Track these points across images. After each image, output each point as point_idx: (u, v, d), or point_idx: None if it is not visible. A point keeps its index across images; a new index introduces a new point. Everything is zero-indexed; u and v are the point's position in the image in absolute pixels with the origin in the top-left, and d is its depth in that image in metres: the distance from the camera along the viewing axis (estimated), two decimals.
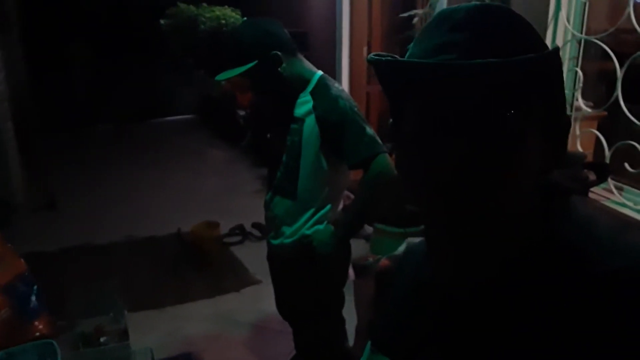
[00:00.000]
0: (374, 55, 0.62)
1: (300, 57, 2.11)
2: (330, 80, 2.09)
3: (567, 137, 0.66)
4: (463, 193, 0.58)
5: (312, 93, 2.05)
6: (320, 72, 2.11)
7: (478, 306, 0.64)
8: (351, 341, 2.43)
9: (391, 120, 0.68)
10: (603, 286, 0.57)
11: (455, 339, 0.66)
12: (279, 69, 2.01)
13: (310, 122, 2.02)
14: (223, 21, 8.42)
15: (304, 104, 2.05)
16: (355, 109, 2.03)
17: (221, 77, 2.06)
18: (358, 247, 3.84)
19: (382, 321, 0.80)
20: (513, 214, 0.61)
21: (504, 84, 0.56)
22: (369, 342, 0.80)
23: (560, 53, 2.65)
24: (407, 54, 0.64)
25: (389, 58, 0.61)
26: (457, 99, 0.57)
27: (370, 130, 2.01)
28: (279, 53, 2.00)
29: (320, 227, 2.11)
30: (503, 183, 0.58)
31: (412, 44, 0.65)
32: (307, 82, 2.07)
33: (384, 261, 2.50)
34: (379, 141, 2.01)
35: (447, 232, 0.62)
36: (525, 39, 0.60)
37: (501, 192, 0.59)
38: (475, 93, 0.56)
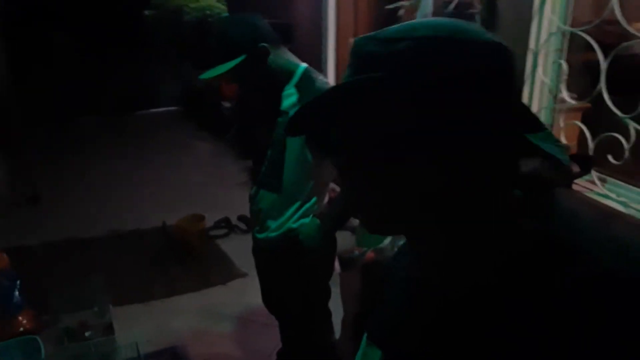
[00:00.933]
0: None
1: (284, 48, 2.10)
2: (315, 73, 2.08)
3: (513, 157, 0.63)
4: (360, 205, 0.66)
5: (296, 86, 2.03)
6: (304, 65, 2.10)
7: (468, 305, 0.64)
8: (337, 334, 2.44)
9: None
10: (588, 280, 0.57)
11: (448, 335, 0.66)
12: (267, 61, 2.00)
13: None
14: (208, 12, 8.35)
15: (289, 97, 2.03)
16: None
17: (209, 74, 2.03)
18: (344, 240, 3.84)
19: (379, 315, 0.80)
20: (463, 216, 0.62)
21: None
22: (365, 335, 0.80)
23: (546, 45, 2.66)
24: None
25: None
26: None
27: None
28: (266, 45, 1.99)
29: (306, 220, 2.10)
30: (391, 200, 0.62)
31: None
32: (291, 74, 2.05)
33: (369, 254, 2.51)
34: None
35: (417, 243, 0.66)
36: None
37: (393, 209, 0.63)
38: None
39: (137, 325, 3.19)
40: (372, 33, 0.63)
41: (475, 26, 0.62)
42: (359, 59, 0.62)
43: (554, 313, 0.57)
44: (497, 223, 0.63)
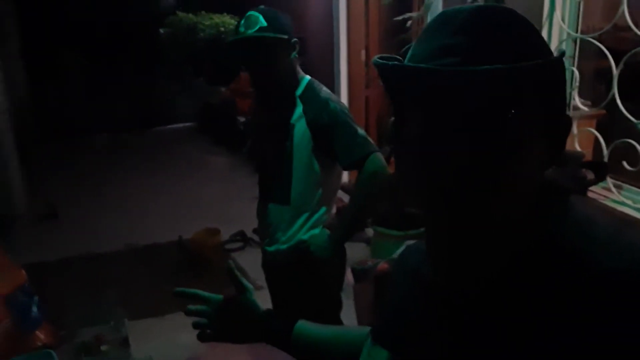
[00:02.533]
0: (378, 57, 0.62)
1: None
2: (319, 84, 2.10)
3: (566, 138, 0.65)
4: (464, 196, 0.59)
5: (301, 97, 2.05)
6: (308, 77, 2.12)
7: (476, 306, 0.65)
8: None
9: (393, 121, 0.68)
10: (601, 288, 0.57)
11: (453, 337, 0.66)
12: (291, 56, 2.03)
13: (300, 126, 2.02)
14: (222, 29, 8.45)
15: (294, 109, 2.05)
16: (346, 110, 2.04)
17: (254, 32, 1.94)
18: (359, 251, 3.83)
19: (383, 315, 0.81)
20: (512, 216, 0.61)
21: (508, 89, 0.56)
22: (370, 336, 0.81)
23: (557, 52, 2.65)
24: (408, 54, 0.64)
25: (395, 62, 0.61)
26: (460, 103, 0.57)
27: (361, 130, 2.02)
28: (297, 41, 2.04)
29: (316, 231, 2.10)
30: (504, 186, 0.59)
31: (413, 44, 0.65)
32: (297, 83, 2.08)
33: (382, 265, 2.49)
34: (371, 141, 2.02)
35: (448, 234, 0.62)
36: (529, 43, 0.60)
37: (501, 195, 0.59)
38: (479, 98, 0.57)
39: (153, 339, 3.21)
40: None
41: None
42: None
43: (562, 314, 0.57)
44: (512, 225, 0.63)
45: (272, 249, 2.21)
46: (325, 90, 2.08)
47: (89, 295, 3.58)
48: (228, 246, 4.50)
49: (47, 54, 8.19)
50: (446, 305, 0.68)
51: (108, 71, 8.53)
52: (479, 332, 0.63)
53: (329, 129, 1.98)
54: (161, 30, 8.77)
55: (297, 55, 2.07)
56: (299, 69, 2.11)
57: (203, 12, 8.71)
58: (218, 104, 7.51)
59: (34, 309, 3.04)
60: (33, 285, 3.05)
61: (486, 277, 0.64)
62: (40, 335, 2.89)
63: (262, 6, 2.03)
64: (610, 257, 0.58)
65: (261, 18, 1.98)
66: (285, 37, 1.99)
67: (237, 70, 7.15)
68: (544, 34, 2.68)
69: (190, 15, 8.73)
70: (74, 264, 4.30)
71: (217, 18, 8.57)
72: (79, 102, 8.15)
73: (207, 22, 8.49)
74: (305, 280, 2.15)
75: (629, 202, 2.47)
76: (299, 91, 2.06)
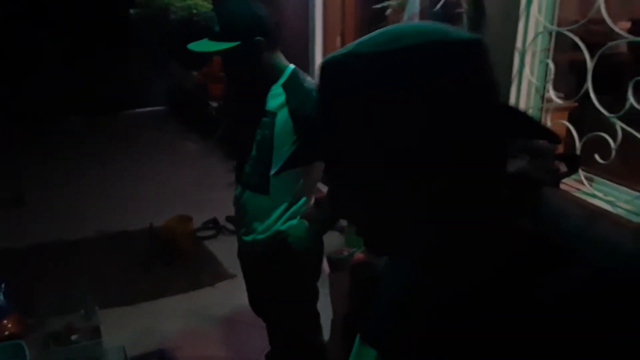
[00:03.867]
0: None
1: (278, 49, 2.07)
2: (302, 74, 2.06)
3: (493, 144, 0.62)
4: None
5: (284, 86, 2.01)
6: (292, 66, 2.08)
7: (461, 304, 0.65)
8: (326, 335, 2.43)
9: None
10: (573, 280, 0.57)
11: (442, 335, 0.66)
12: (259, 56, 1.96)
13: (282, 115, 1.99)
14: (194, 11, 8.30)
15: (276, 97, 2.01)
16: None
17: (199, 48, 1.96)
18: (333, 240, 3.83)
19: (372, 314, 0.81)
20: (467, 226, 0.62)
21: None
22: (359, 335, 0.81)
23: (533, 44, 2.67)
24: None
25: None
26: None
27: None
28: (262, 40, 1.95)
29: (294, 222, 2.09)
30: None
31: None
32: (279, 73, 2.04)
33: (358, 255, 2.49)
34: None
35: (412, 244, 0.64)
36: None
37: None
38: None
39: (125, 328, 3.17)
40: (346, 49, 0.62)
41: (447, 27, 0.62)
42: (344, 75, 0.60)
43: (546, 313, 0.58)
44: (489, 222, 0.64)
45: (248, 238, 2.19)
46: (309, 80, 2.05)
47: (58, 283, 3.51)
48: (200, 234, 4.46)
49: (13, 35, 7.94)
50: (432, 304, 0.68)
51: (78, 52, 8.32)
52: (464, 330, 0.64)
53: (312, 119, 1.96)
54: (131, 11, 8.58)
55: (273, 47, 2.02)
56: (280, 59, 2.06)
57: None
58: (190, 88, 7.40)
59: (1, 297, 2.97)
60: (0, 273, 2.98)
61: (467, 277, 0.64)
62: (8, 324, 2.83)
63: (222, 3, 1.97)
64: (585, 249, 0.59)
65: (216, 24, 1.94)
66: (236, 43, 1.91)
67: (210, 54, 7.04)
68: (521, 26, 2.69)
69: None
70: (43, 250, 4.20)
71: (190, 0, 8.42)
72: (47, 84, 7.93)
73: (179, 4, 8.33)
74: (282, 271, 2.14)
75: (600, 194, 2.52)
76: (281, 80, 2.02)
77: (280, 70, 2.04)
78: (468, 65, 0.59)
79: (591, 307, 0.56)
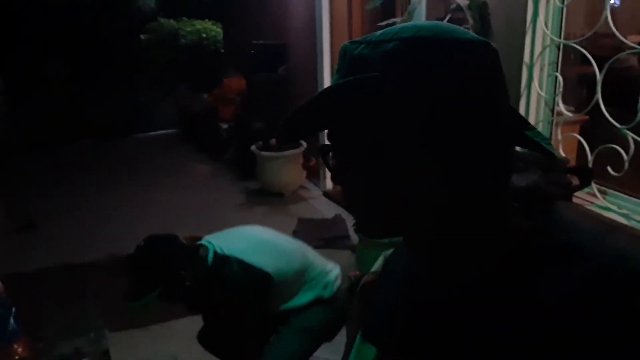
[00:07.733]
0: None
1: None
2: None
3: (507, 145, 0.63)
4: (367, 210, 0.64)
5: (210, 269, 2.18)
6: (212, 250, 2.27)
7: (462, 302, 0.64)
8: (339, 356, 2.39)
9: None
10: (587, 292, 0.56)
11: (442, 333, 0.66)
12: (186, 282, 2.13)
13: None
14: (204, 35, 8.43)
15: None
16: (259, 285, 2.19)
17: (135, 307, 2.26)
18: (344, 259, 3.80)
19: (373, 313, 0.81)
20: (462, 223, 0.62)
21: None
22: (359, 333, 0.81)
23: (540, 58, 2.65)
24: None
25: None
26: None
27: None
28: (182, 272, 2.12)
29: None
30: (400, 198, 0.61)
31: None
32: (206, 263, 2.21)
33: (367, 277, 2.50)
34: None
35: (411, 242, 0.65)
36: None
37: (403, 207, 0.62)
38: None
39: (135, 350, 3.15)
40: (359, 38, 0.64)
41: (458, 27, 0.63)
42: (349, 62, 0.63)
43: (549, 310, 0.57)
44: (492, 222, 0.63)
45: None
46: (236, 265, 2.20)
47: (68, 306, 3.50)
48: None
49: (26, 62, 8.07)
50: (432, 302, 0.67)
51: (89, 78, 8.44)
52: (465, 328, 0.63)
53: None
54: (142, 36, 8.71)
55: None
56: (202, 253, 2.32)
57: (184, 18, 8.69)
58: (200, 110, 7.46)
59: (12, 321, 2.96)
60: (10, 297, 2.97)
61: (468, 275, 0.64)
62: (19, 348, 2.82)
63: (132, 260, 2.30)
64: (595, 259, 0.58)
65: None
66: (157, 290, 2.26)
67: (219, 77, 7.13)
68: (528, 39, 2.69)
69: (172, 21, 8.69)
70: (53, 274, 4.20)
71: (199, 24, 8.55)
72: (58, 110, 8.03)
73: (189, 28, 8.47)
74: None
75: (614, 207, 2.48)
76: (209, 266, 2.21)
77: (205, 262, 2.21)
78: (481, 64, 0.60)
79: (594, 305, 0.55)
